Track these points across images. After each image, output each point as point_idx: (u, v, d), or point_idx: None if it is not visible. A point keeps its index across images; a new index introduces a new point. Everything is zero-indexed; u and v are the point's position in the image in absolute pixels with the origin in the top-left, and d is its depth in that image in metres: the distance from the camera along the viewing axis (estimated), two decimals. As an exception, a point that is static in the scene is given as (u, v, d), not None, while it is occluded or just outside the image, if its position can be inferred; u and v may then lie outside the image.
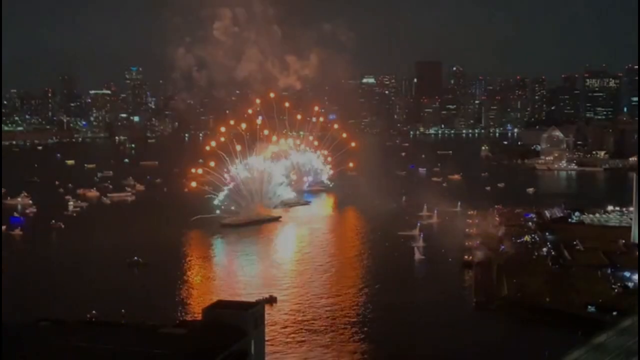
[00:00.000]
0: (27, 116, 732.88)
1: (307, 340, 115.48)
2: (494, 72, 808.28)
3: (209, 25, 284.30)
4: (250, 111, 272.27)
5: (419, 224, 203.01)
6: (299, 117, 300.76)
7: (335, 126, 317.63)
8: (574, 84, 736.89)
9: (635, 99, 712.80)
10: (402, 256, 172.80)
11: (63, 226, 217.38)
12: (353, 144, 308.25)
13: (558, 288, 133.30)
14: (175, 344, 70.29)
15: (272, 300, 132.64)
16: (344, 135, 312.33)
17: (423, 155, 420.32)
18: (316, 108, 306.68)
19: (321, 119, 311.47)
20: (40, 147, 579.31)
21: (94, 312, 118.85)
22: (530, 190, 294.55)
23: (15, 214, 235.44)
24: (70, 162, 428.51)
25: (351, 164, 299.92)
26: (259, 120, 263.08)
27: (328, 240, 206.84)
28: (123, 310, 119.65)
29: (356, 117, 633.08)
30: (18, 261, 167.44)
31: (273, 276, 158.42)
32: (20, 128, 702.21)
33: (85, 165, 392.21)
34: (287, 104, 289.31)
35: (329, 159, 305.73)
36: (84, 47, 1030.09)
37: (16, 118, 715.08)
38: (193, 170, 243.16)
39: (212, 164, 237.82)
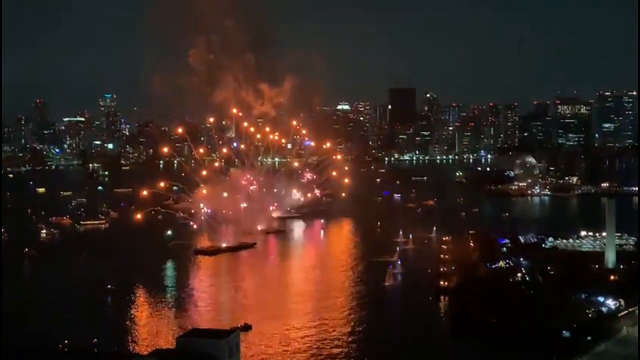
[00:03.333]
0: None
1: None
2: (466, 99, 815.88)
3: (184, 52, 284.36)
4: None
5: (398, 250, 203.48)
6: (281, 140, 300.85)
7: (327, 145, 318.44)
8: (546, 111, 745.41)
9: (607, 125, 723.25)
10: (378, 282, 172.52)
11: (37, 254, 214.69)
12: (346, 168, 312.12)
13: (532, 313, 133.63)
14: (148, 373, 69.63)
15: (247, 328, 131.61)
16: (339, 157, 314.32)
17: (398, 182, 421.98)
18: (294, 122, 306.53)
19: (303, 131, 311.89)
20: (11, 175, 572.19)
21: (66, 341, 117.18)
22: (504, 215, 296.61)
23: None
24: (41, 190, 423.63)
25: (343, 194, 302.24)
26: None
27: (303, 267, 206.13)
28: (95, 340, 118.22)
29: (331, 143, 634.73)
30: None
31: (248, 303, 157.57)
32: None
33: (62, 192, 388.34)
34: (260, 121, 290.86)
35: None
36: (58, 74, 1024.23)
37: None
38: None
39: (161, 184, 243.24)
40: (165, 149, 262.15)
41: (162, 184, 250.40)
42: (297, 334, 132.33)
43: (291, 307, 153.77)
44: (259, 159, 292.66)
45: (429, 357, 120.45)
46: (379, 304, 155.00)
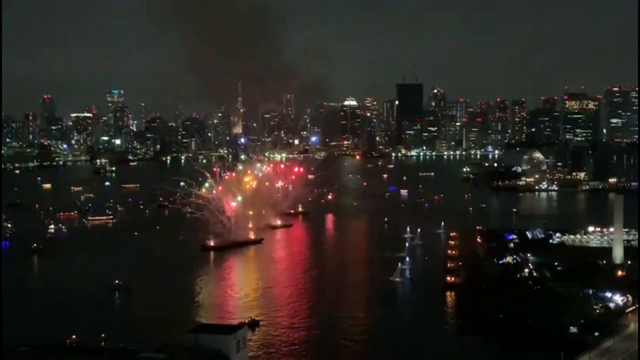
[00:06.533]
0: (7, 140, 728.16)
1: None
2: (474, 95, 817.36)
3: (191, 49, 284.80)
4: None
5: (407, 245, 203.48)
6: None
7: (346, 143, 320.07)
8: (554, 106, 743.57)
9: (614, 120, 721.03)
10: (386, 278, 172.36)
11: (44, 249, 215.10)
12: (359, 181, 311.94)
13: (540, 309, 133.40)
14: (156, 368, 69.84)
15: (254, 324, 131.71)
16: (357, 157, 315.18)
17: (405, 177, 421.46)
18: (304, 117, 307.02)
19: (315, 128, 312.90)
20: (17, 172, 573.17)
21: (73, 336, 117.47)
22: (512, 211, 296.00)
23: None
24: (47, 185, 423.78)
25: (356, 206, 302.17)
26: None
27: (311, 263, 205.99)
28: (103, 335, 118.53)
29: (338, 139, 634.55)
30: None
31: (255, 299, 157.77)
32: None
33: (73, 188, 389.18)
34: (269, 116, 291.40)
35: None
36: (65, 70, 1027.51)
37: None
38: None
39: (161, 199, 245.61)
40: (164, 158, 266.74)
41: (161, 199, 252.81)
42: (304, 330, 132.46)
43: (298, 303, 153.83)
44: (266, 154, 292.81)
45: (436, 353, 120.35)
46: (387, 300, 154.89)
